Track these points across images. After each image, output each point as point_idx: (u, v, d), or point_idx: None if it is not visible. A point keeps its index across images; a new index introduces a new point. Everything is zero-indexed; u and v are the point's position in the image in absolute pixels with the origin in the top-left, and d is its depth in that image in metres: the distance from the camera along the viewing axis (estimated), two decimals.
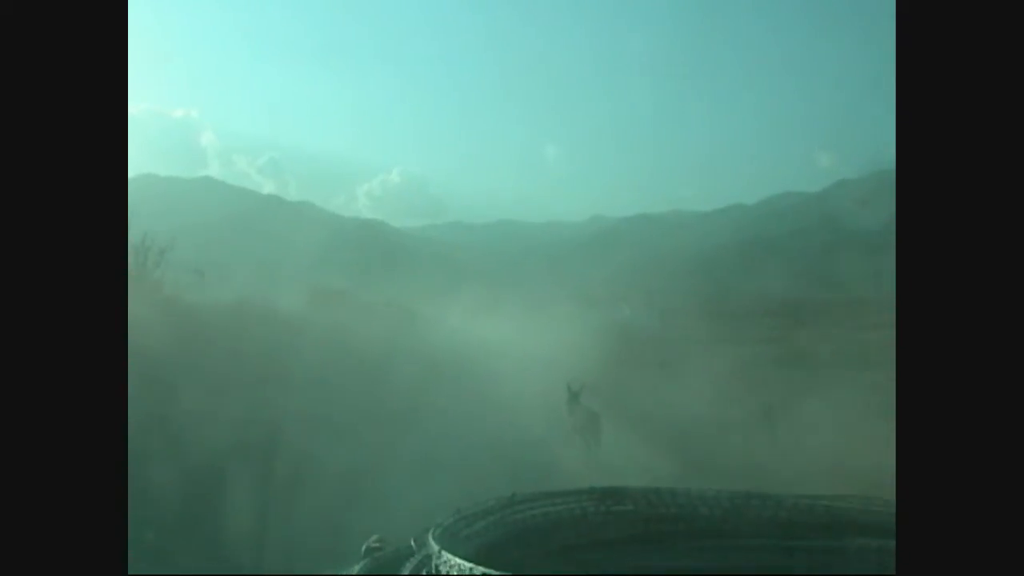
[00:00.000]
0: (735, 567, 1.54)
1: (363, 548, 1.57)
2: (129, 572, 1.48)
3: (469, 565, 1.21)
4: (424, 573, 1.31)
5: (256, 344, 12.07)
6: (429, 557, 1.33)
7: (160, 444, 6.55)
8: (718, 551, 1.56)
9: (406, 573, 1.34)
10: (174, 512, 6.01)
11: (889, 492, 1.47)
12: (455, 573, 1.22)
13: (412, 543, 1.46)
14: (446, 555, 1.26)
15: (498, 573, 1.17)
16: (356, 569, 1.44)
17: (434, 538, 1.34)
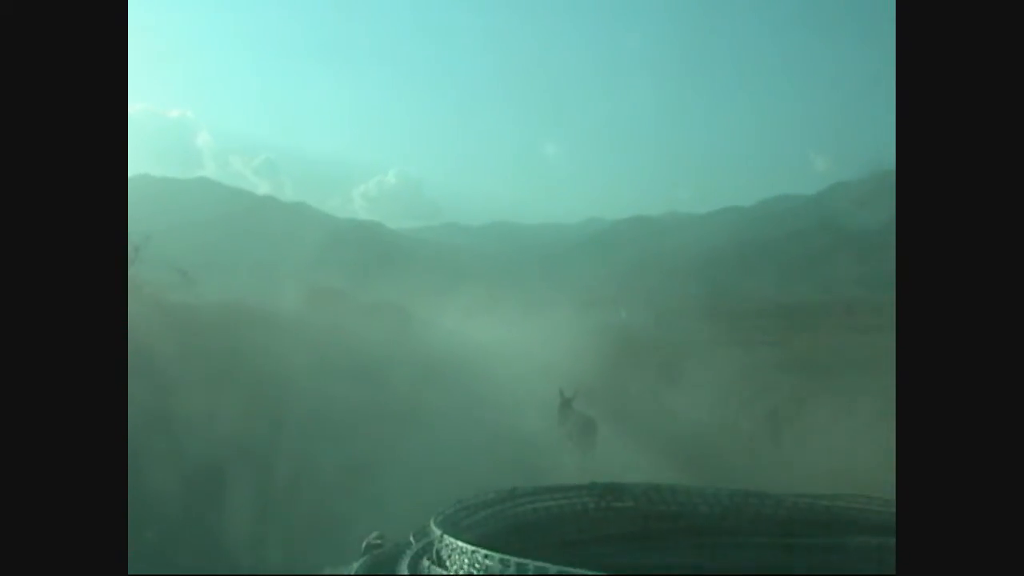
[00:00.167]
0: (735, 565, 1.54)
1: (363, 544, 1.58)
2: (129, 572, 1.48)
3: (471, 548, 1.22)
4: (424, 561, 1.32)
5: (252, 344, 12.06)
6: (431, 543, 1.34)
7: (160, 444, 6.54)
8: (718, 548, 1.56)
9: (405, 566, 1.34)
10: (174, 512, 6.00)
11: (889, 492, 1.47)
12: (457, 556, 1.23)
13: (411, 538, 1.46)
14: (448, 539, 1.27)
15: (499, 555, 1.17)
16: (356, 566, 1.45)
17: (436, 524, 1.35)
